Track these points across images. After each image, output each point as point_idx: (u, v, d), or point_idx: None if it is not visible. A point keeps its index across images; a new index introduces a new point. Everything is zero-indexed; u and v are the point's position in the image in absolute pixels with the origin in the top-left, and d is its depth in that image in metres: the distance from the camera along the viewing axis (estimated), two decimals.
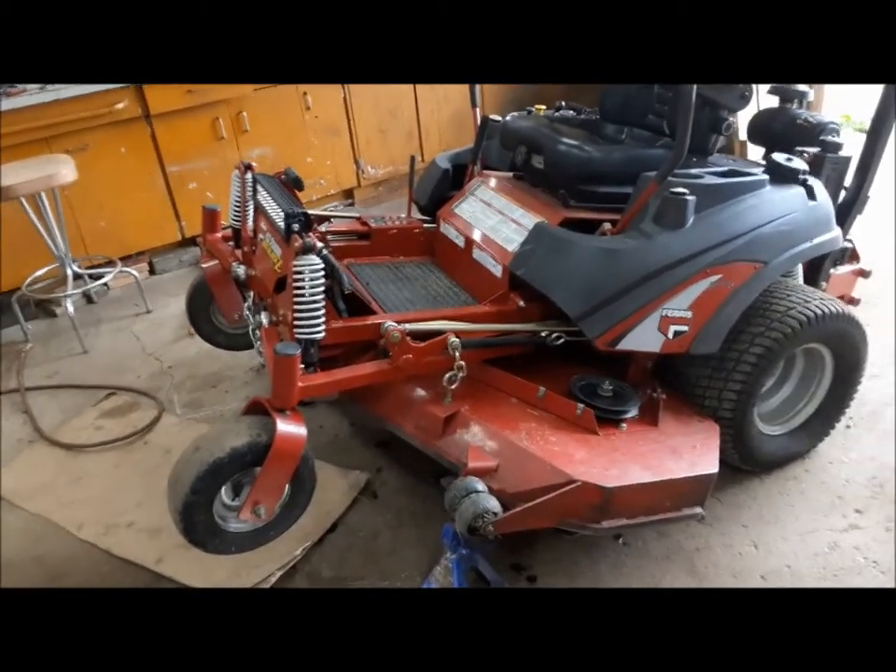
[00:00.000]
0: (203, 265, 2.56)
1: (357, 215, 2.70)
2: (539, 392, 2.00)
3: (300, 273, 1.80)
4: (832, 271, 2.61)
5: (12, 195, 3.08)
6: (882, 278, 3.20)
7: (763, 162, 2.30)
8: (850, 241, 2.68)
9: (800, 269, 2.39)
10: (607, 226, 2.05)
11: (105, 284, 3.85)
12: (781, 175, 2.16)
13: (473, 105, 2.78)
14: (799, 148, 2.41)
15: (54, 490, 2.45)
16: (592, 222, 2.13)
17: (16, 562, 2.16)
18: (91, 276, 3.75)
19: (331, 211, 3.04)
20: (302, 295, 1.81)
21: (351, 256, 2.55)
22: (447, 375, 1.94)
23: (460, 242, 2.42)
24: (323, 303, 1.85)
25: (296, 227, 1.87)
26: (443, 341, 1.92)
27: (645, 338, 1.95)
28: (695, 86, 1.79)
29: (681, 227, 1.93)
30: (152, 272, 4.20)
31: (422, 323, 1.98)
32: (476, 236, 2.34)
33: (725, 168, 2.15)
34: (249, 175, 2.33)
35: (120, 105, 3.63)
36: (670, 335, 1.97)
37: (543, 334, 2.06)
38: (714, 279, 1.94)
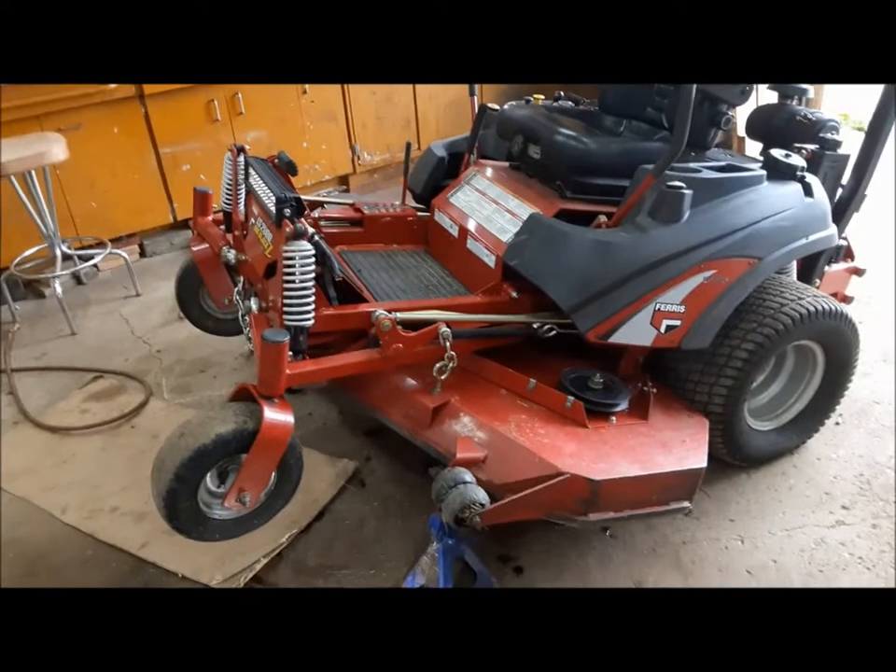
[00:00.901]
0: (193, 248, 2.53)
1: (351, 201, 2.68)
2: (530, 384, 1.99)
3: (290, 258, 1.78)
4: (826, 268, 2.60)
5: (2, 173, 3.04)
6: (876, 277, 3.20)
7: (761, 158, 2.29)
8: (845, 239, 2.68)
9: (794, 265, 2.39)
10: (602, 218, 2.03)
11: (95, 265, 3.82)
12: (779, 172, 2.14)
13: (471, 93, 2.75)
14: (797, 145, 2.40)
15: (38, 473, 2.42)
16: (587, 214, 2.11)
17: None
18: (80, 257, 3.71)
19: (325, 197, 3.00)
20: (292, 281, 1.79)
21: (343, 243, 2.53)
22: (437, 365, 1.93)
23: (454, 231, 2.40)
24: (313, 290, 1.83)
25: (287, 212, 1.84)
26: (434, 330, 1.91)
27: (637, 332, 1.94)
28: None
29: (677, 221, 1.91)
30: (143, 254, 4.17)
31: (413, 312, 1.96)
32: (470, 226, 2.32)
33: (723, 163, 2.13)
34: (242, 158, 2.30)
35: (114, 85, 3.58)
36: (662, 329, 1.96)
37: (535, 326, 2.05)
38: (708, 274, 1.94)
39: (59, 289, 3.33)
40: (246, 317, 2.22)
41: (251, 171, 2.24)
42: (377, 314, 1.87)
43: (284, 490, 1.81)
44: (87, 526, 2.19)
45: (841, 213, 2.49)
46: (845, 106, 5.82)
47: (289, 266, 1.78)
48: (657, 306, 1.92)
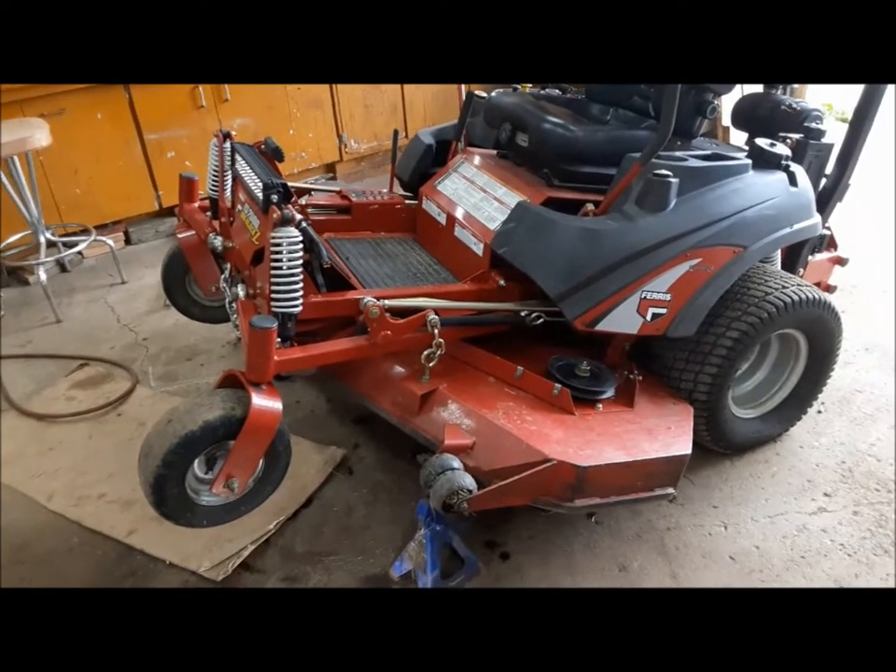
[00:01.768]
0: (179, 235, 2.51)
1: (338, 188, 2.67)
2: (517, 371, 2.00)
3: (277, 245, 1.78)
4: (809, 257, 2.63)
5: None
6: (858, 266, 3.23)
7: (747, 147, 2.31)
8: (829, 228, 2.71)
9: (778, 254, 2.41)
10: (589, 206, 2.04)
11: (80, 252, 3.79)
12: (764, 161, 2.16)
13: None
14: (782, 134, 2.41)
15: (24, 460, 2.41)
16: (575, 202, 2.12)
17: None
18: (64, 244, 3.68)
19: (312, 184, 2.99)
20: (280, 268, 1.79)
21: (331, 230, 2.52)
22: (425, 353, 1.93)
23: (442, 219, 2.40)
24: (301, 277, 1.82)
25: (275, 198, 1.83)
26: (422, 318, 1.91)
27: (624, 320, 1.96)
28: None
29: (664, 209, 1.93)
30: (128, 241, 4.14)
31: (401, 299, 1.96)
32: (458, 214, 2.32)
33: (709, 152, 2.14)
34: (228, 144, 2.28)
35: None
36: (648, 317, 1.97)
37: (523, 314, 2.06)
38: (694, 262, 1.95)
39: (43, 277, 3.30)
40: (234, 304, 2.21)
41: (237, 157, 2.23)
42: (365, 300, 1.87)
43: (272, 477, 1.81)
44: (73, 514, 2.18)
45: (825, 202, 2.51)
46: (828, 96, 5.85)
47: (277, 252, 1.78)
48: (643, 294, 1.94)
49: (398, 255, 2.43)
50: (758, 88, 2.69)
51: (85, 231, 3.73)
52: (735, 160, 2.09)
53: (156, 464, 1.60)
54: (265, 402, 1.66)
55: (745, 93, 2.71)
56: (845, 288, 3.28)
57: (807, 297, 2.11)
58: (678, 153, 2.06)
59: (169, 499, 1.66)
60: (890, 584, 1.93)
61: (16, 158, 3.17)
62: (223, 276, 2.33)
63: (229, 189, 2.32)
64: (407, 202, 2.65)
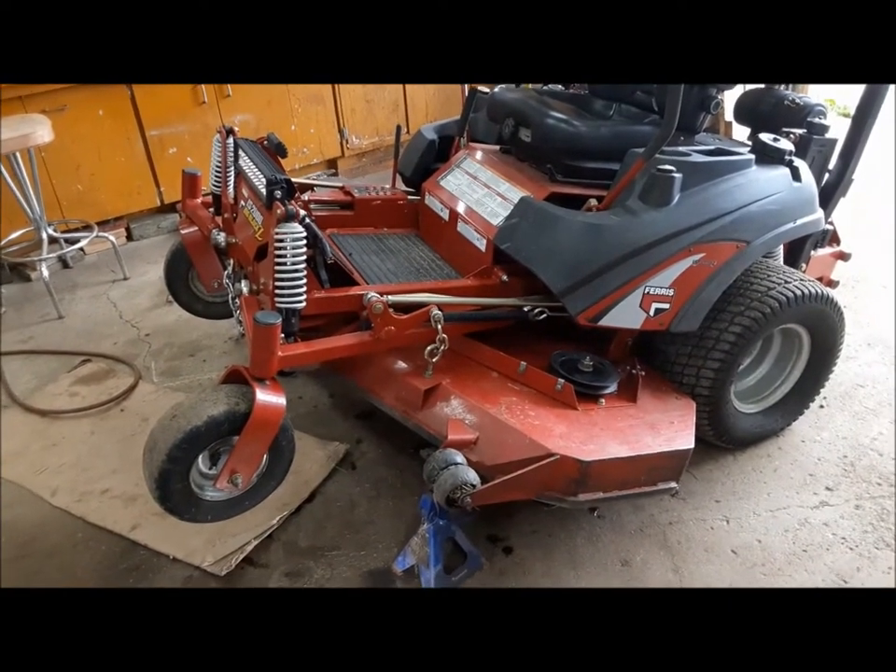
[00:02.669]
0: (182, 231, 2.52)
1: (341, 184, 2.67)
2: (520, 367, 2.01)
3: (281, 240, 1.78)
4: (812, 252, 2.63)
5: None
6: (861, 261, 3.23)
7: (750, 143, 2.30)
8: (831, 223, 2.70)
9: (781, 249, 2.41)
10: (593, 202, 2.04)
11: (82, 249, 3.78)
12: (767, 156, 2.16)
13: None
14: (785, 129, 2.41)
15: (27, 456, 2.41)
16: (578, 198, 2.12)
17: None
18: (66, 240, 3.68)
19: (314, 180, 2.99)
20: (284, 263, 1.79)
21: (334, 226, 2.52)
22: (429, 348, 1.93)
23: (445, 215, 2.40)
24: (305, 272, 1.82)
25: (278, 194, 1.83)
26: (426, 313, 1.91)
27: (627, 315, 1.96)
28: None
29: (667, 204, 1.93)
30: (130, 238, 4.13)
31: (405, 295, 1.97)
32: (461, 209, 2.32)
33: (712, 147, 2.14)
34: (231, 140, 2.28)
35: None
36: (651, 312, 1.97)
37: (526, 309, 2.06)
38: (697, 257, 1.95)
39: (45, 273, 3.30)
40: (237, 300, 2.22)
41: (241, 153, 2.23)
42: (369, 296, 1.88)
43: (276, 472, 1.81)
44: (77, 509, 2.19)
45: (828, 197, 2.51)
46: (830, 92, 5.84)
47: (281, 248, 1.78)
48: (646, 289, 1.94)
49: (400, 250, 2.43)
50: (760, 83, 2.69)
51: (87, 228, 3.73)
52: (739, 155, 2.09)
53: (161, 459, 1.61)
54: (269, 398, 1.66)
55: (747, 89, 2.71)
56: (847, 283, 3.29)
57: (810, 292, 2.11)
58: (681, 148, 2.07)
59: (173, 494, 1.66)
60: (892, 577, 1.93)
61: (18, 154, 3.18)
62: (226, 272, 2.33)
63: (232, 185, 2.32)
64: (410, 197, 2.65)
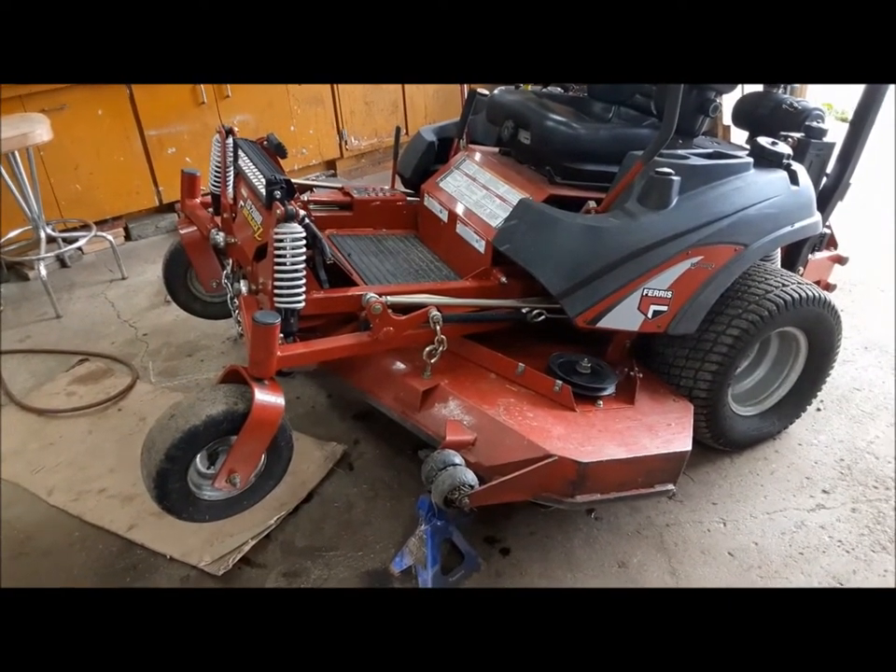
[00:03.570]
0: (181, 231, 2.52)
1: (340, 185, 2.67)
2: (519, 368, 2.01)
3: (281, 241, 1.78)
4: (810, 256, 2.64)
5: None
6: (858, 265, 3.24)
7: (748, 146, 2.31)
8: (829, 227, 2.71)
9: (779, 253, 2.42)
10: (592, 204, 2.05)
11: (80, 248, 3.78)
12: (765, 159, 2.17)
13: None
14: (783, 133, 2.42)
15: (24, 455, 2.41)
16: (577, 200, 2.13)
17: None
18: (64, 240, 3.68)
19: (314, 181, 2.99)
20: (283, 263, 1.79)
21: (333, 226, 2.52)
22: (427, 349, 1.94)
23: (444, 216, 2.40)
24: (304, 273, 1.83)
25: (278, 194, 1.83)
26: (424, 314, 1.92)
27: (625, 317, 1.96)
28: None
29: (665, 207, 1.93)
30: (128, 237, 4.13)
31: (404, 296, 1.97)
32: (460, 211, 2.33)
33: (710, 150, 2.15)
34: (230, 140, 2.28)
35: None
36: (650, 314, 1.98)
37: (524, 310, 2.06)
38: (695, 260, 1.96)
39: (43, 272, 3.30)
40: (236, 300, 2.22)
41: (240, 153, 2.23)
42: (368, 297, 1.88)
43: (274, 471, 1.81)
44: (74, 508, 2.18)
45: (825, 201, 2.52)
46: (828, 96, 5.86)
47: (280, 248, 1.78)
48: (645, 291, 1.94)
49: (399, 251, 2.44)
50: (759, 87, 2.70)
51: (85, 227, 3.73)
52: (737, 158, 2.10)
53: (159, 458, 1.60)
54: (268, 398, 1.66)
55: (745, 92, 2.72)
56: (844, 287, 3.30)
57: (807, 295, 2.12)
58: (680, 151, 2.07)
59: (171, 494, 1.66)
60: (888, 580, 1.94)
61: (17, 153, 3.17)
62: (225, 272, 2.33)
63: (231, 185, 2.32)
64: (409, 198, 2.65)
